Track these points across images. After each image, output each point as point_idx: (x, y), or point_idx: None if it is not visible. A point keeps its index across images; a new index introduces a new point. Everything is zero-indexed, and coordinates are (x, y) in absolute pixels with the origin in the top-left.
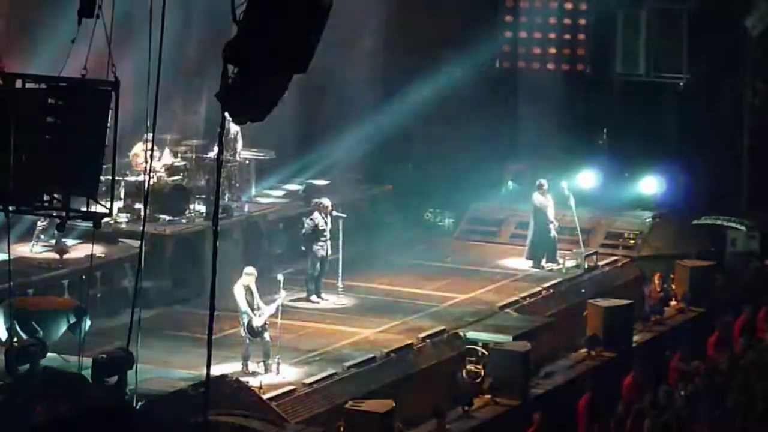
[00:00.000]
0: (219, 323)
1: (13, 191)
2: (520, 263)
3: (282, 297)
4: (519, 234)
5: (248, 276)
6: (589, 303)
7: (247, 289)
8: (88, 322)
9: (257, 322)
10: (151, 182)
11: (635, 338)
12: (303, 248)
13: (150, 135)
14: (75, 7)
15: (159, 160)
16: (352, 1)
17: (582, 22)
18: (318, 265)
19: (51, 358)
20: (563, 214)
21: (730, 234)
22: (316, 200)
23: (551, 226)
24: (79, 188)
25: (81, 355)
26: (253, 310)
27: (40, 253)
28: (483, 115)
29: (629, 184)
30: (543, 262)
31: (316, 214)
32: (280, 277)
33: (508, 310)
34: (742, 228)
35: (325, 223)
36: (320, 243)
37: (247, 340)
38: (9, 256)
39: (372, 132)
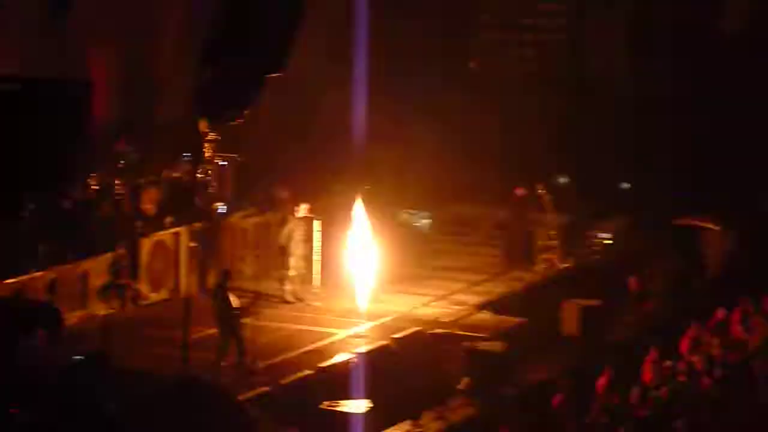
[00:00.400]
0: (194, 324)
1: None
2: (495, 263)
3: (257, 298)
4: (493, 234)
5: (224, 276)
6: (564, 303)
7: (223, 288)
8: (64, 323)
9: (234, 324)
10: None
11: (611, 337)
12: (278, 249)
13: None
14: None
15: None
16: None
17: (557, 25)
18: (293, 266)
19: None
20: (539, 215)
21: (705, 234)
22: (293, 201)
23: (529, 226)
24: (55, 188)
25: (57, 356)
26: (225, 311)
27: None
28: (459, 116)
29: (606, 185)
30: (518, 263)
31: (293, 216)
32: (255, 278)
33: (484, 310)
34: (717, 228)
35: (303, 225)
36: (296, 244)
37: (224, 340)
38: None
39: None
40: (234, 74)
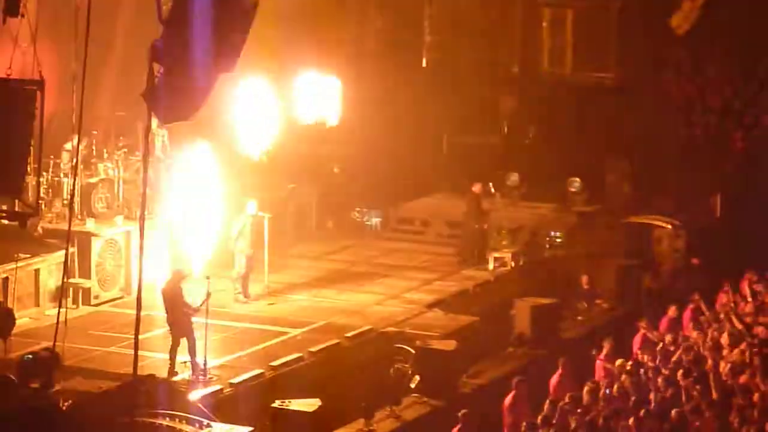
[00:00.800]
0: (146, 323)
1: None
2: (447, 262)
3: (208, 297)
4: (447, 233)
5: (176, 275)
6: (516, 301)
7: (176, 287)
8: (14, 322)
9: (183, 322)
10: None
11: (562, 336)
12: (229, 248)
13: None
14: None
15: (89, 158)
16: None
17: (509, 18)
18: (245, 264)
19: None
20: (490, 212)
21: (657, 232)
22: (243, 199)
23: (481, 225)
24: (4, 188)
25: (6, 356)
26: (176, 310)
27: None
28: (412, 113)
29: (556, 183)
30: (471, 261)
31: (243, 214)
32: (207, 276)
33: (435, 309)
34: (669, 227)
35: (253, 223)
36: (247, 243)
37: (175, 339)
38: None
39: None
40: (185, 74)
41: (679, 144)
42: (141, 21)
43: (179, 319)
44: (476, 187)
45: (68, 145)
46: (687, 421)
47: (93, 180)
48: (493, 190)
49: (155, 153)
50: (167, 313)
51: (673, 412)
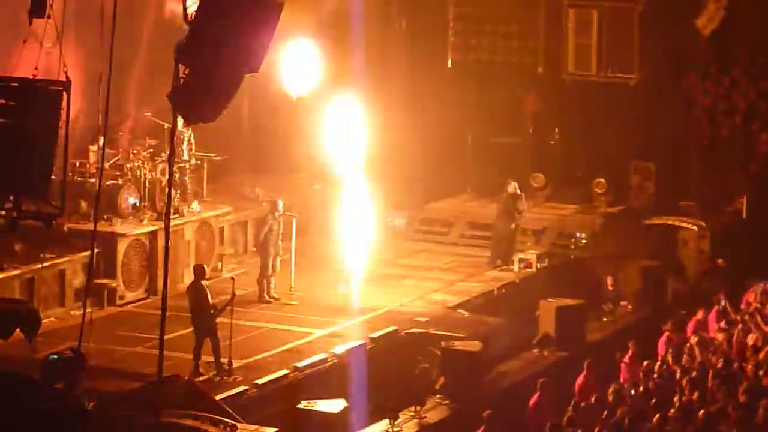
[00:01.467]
0: (171, 323)
1: None
2: (472, 263)
3: (233, 297)
4: (470, 234)
5: (199, 273)
6: (541, 303)
7: (200, 287)
8: (40, 323)
9: (209, 323)
10: (102, 182)
11: (587, 338)
12: (254, 248)
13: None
14: (26, 6)
15: (115, 159)
16: None
17: (533, 19)
18: (270, 265)
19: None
20: (515, 214)
21: (682, 234)
22: (270, 200)
23: (511, 226)
24: (30, 189)
25: (32, 356)
26: (202, 310)
27: None
28: (435, 113)
29: (581, 184)
30: (497, 262)
31: (269, 215)
32: (231, 277)
33: (460, 310)
34: (694, 228)
35: (278, 223)
36: (273, 243)
37: (200, 340)
38: None
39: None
40: (210, 74)
41: (704, 145)
42: (166, 20)
43: (203, 318)
44: (510, 187)
45: (94, 146)
46: (712, 424)
47: (119, 180)
48: (518, 191)
49: (181, 153)
50: (191, 312)
51: (699, 414)
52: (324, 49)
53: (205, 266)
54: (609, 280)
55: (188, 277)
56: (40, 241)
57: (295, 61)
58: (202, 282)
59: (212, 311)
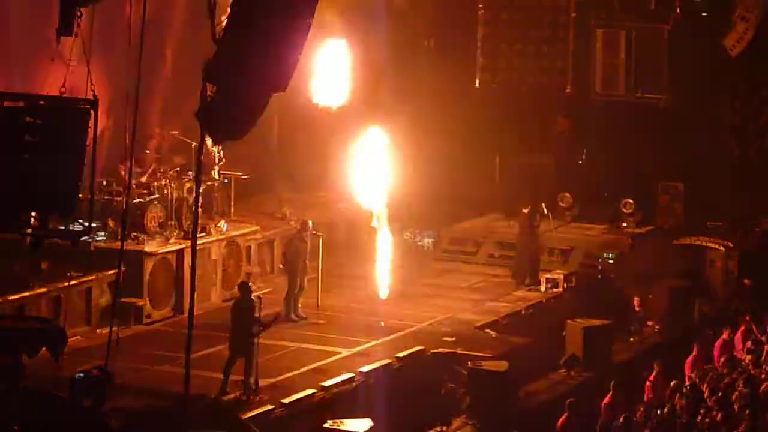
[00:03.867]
0: (197, 342)
1: None
2: (499, 283)
3: (275, 319)
4: (498, 254)
5: (244, 291)
6: (568, 323)
7: (245, 307)
8: (66, 341)
9: (245, 343)
10: (130, 200)
11: (614, 358)
12: (281, 267)
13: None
14: (53, 25)
15: (139, 178)
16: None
17: (562, 39)
18: (297, 284)
19: (28, 377)
20: (543, 233)
21: (709, 254)
22: (297, 219)
23: (534, 246)
24: (56, 207)
25: (59, 375)
26: (244, 328)
27: (18, 271)
28: (465, 134)
29: (608, 204)
30: (525, 282)
31: (296, 233)
32: (258, 296)
33: (487, 329)
34: (721, 248)
35: (305, 242)
36: (300, 262)
37: (231, 358)
38: None
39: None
40: (238, 93)
41: (732, 165)
42: (190, 38)
43: (244, 336)
44: (526, 208)
45: (121, 166)
46: None
47: (146, 199)
48: (546, 211)
49: (210, 172)
50: (232, 330)
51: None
52: (351, 67)
53: (251, 284)
54: (636, 301)
55: (215, 296)
56: (67, 260)
57: (324, 68)
58: (249, 299)
59: (260, 327)
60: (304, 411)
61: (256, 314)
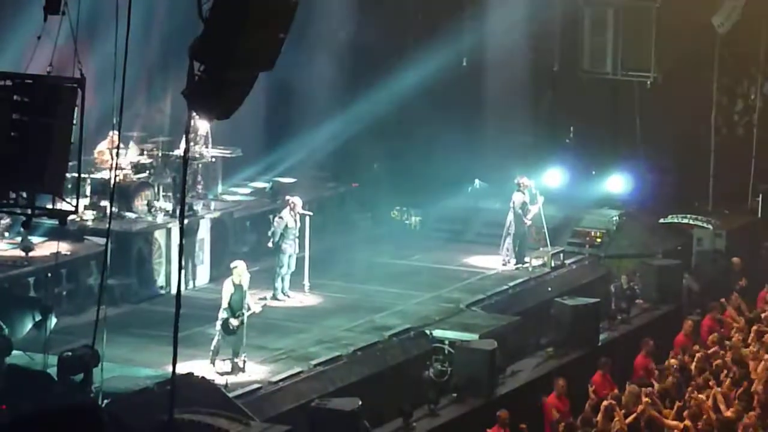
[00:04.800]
0: (185, 321)
1: None
2: (487, 261)
3: (268, 299)
4: (485, 232)
5: (236, 271)
6: (555, 301)
7: (237, 285)
8: (54, 320)
9: (234, 323)
10: (117, 179)
11: (602, 337)
12: (270, 246)
13: (116, 132)
14: (40, 3)
15: (125, 157)
16: None
17: (550, 18)
18: (285, 263)
19: (16, 355)
20: (530, 211)
21: (697, 233)
22: (286, 198)
23: (524, 225)
24: (44, 185)
25: (46, 353)
26: (236, 309)
27: (5, 250)
28: (451, 112)
29: (596, 182)
30: (512, 260)
31: (285, 212)
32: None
33: (474, 308)
34: (709, 227)
35: (294, 221)
36: (288, 241)
37: (219, 337)
38: None
39: (339, 130)
40: (225, 71)
41: (720, 143)
42: (177, 17)
43: (231, 315)
44: (525, 179)
45: (101, 145)
46: (731, 424)
47: (133, 178)
48: (534, 189)
49: (195, 150)
50: (222, 308)
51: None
52: None
53: (243, 263)
54: (624, 279)
55: (203, 275)
56: (55, 238)
57: None
58: (240, 279)
59: (248, 306)
60: (292, 389)
61: (245, 293)
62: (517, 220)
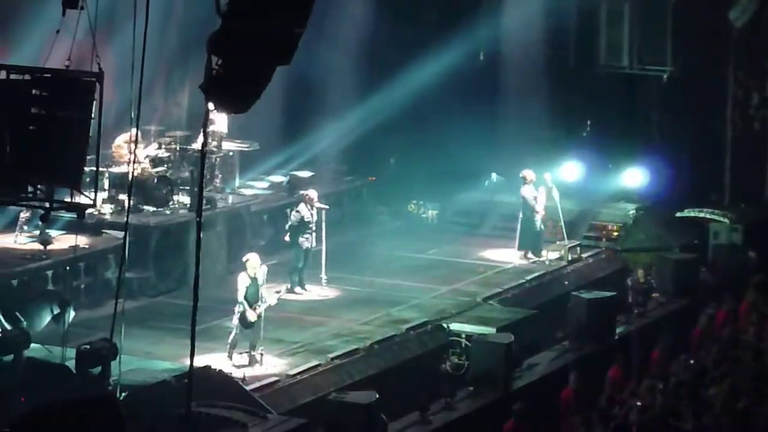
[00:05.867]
0: (202, 314)
1: None
2: (503, 255)
3: (283, 291)
4: (501, 226)
5: (249, 264)
6: (572, 295)
7: (252, 279)
8: (72, 313)
9: (251, 316)
10: (135, 173)
11: (618, 330)
12: (287, 239)
13: (134, 126)
14: None
15: (143, 150)
16: None
17: (566, 12)
18: (302, 256)
19: (34, 348)
20: (546, 205)
21: (713, 226)
22: (302, 191)
23: (537, 217)
24: (62, 179)
25: (65, 346)
26: (252, 302)
27: (24, 244)
28: (467, 106)
29: (612, 176)
30: (529, 254)
31: (301, 206)
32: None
33: (491, 301)
34: (725, 220)
35: (311, 215)
36: (305, 234)
37: (236, 330)
38: None
39: (356, 124)
40: (242, 65)
41: (736, 137)
42: (195, 11)
43: (248, 308)
44: (531, 173)
45: (119, 139)
46: (748, 417)
47: (151, 172)
48: (550, 183)
49: (213, 144)
50: (239, 301)
51: (738, 406)
52: None
53: (256, 256)
54: (641, 273)
55: (221, 267)
56: (73, 231)
57: None
58: (255, 272)
59: (264, 300)
60: (309, 383)
61: (261, 287)
62: (531, 214)
